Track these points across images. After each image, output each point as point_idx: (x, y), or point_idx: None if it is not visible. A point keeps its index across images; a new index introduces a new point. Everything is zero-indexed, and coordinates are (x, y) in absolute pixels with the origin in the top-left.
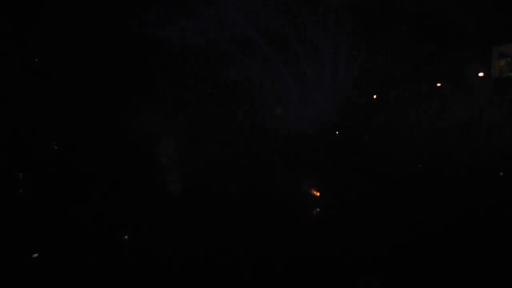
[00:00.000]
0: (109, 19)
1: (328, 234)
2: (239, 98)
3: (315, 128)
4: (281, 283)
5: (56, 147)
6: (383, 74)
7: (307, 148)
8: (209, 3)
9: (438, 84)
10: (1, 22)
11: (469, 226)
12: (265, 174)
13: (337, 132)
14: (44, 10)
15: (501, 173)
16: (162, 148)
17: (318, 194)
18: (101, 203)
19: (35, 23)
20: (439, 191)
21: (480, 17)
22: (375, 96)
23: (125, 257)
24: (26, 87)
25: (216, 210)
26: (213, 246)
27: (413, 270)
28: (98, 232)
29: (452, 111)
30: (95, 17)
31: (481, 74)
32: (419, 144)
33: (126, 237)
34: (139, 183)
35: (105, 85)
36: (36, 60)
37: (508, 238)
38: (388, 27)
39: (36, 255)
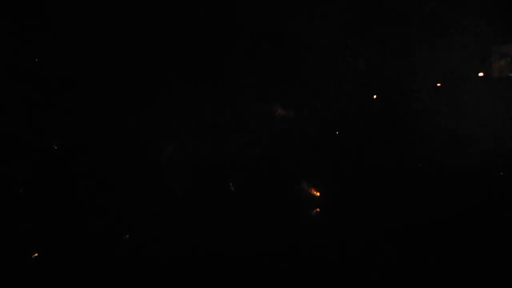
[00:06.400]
0: (111, 17)
1: (327, 234)
2: (238, 97)
3: (315, 128)
4: (281, 283)
5: (56, 147)
6: (382, 74)
7: (307, 148)
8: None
9: (438, 84)
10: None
11: (469, 226)
12: (264, 174)
13: (337, 132)
14: (44, 8)
15: (501, 173)
16: (162, 147)
17: (318, 194)
18: (101, 202)
19: (35, 21)
20: (439, 191)
21: (480, 17)
22: (375, 96)
23: (125, 257)
24: (26, 87)
25: (216, 210)
26: (212, 246)
27: (413, 269)
28: (99, 232)
29: (451, 111)
30: (95, 16)
31: (481, 74)
32: (419, 144)
33: (127, 236)
34: (140, 183)
35: (105, 84)
36: (36, 60)
37: (508, 238)
38: (387, 27)
39: (36, 255)
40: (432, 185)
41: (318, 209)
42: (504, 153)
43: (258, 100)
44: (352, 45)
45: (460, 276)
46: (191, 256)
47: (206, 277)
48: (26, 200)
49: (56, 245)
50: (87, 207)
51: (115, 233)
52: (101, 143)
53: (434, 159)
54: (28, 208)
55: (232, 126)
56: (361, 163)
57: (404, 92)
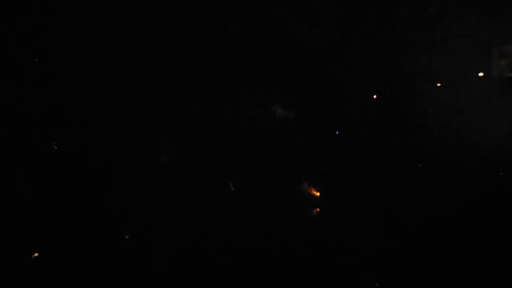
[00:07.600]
0: (112, 17)
1: (327, 234)
2: (239, 96)
3: (315, 128)
4: (281, 283)
5: (56, 147)
6: (383, 74)
7: (307, 148)
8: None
9: (438, 84)
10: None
11: (469, 226)
12: (265, 174)
13: (337, 132)
14: (45, 8)
15: (501, 173)
16: (163, 147)
17: (318, 194)
18: (101, 202)
19: (35, 21)
20: (439, 191)
21: (480, 17)
22: (375, 96)
23: (125, 257)
24: (26, 87)
25: (216, 210)
26: (212, 246)
27: (413, 269)
28: (98, 232)
29: (451, 111)
30: (96, 16)
31: (481, 74)
32: (419, 144)
33: (127, 237)
34: (140, 183)
35: (106, 85)
36: (36, 60)
37: (508, 238)
38: (387, 27)
39: (36, 254)
40: (432, 185)
41: (318, 209)
42: (504, 153)
43: (258, 100)
44: (353, 45)
45: (460, 276)
46: (191, 256)
47: (206, 276)
48: (26, 200)
49: (56, 245)
50: (87, 207)
51: (115, 233)
52: (101, 143)
53: (435, 159)
54: (28, 208)
55: (232, 126)
56: (361, 163)
57: (404, 92)
